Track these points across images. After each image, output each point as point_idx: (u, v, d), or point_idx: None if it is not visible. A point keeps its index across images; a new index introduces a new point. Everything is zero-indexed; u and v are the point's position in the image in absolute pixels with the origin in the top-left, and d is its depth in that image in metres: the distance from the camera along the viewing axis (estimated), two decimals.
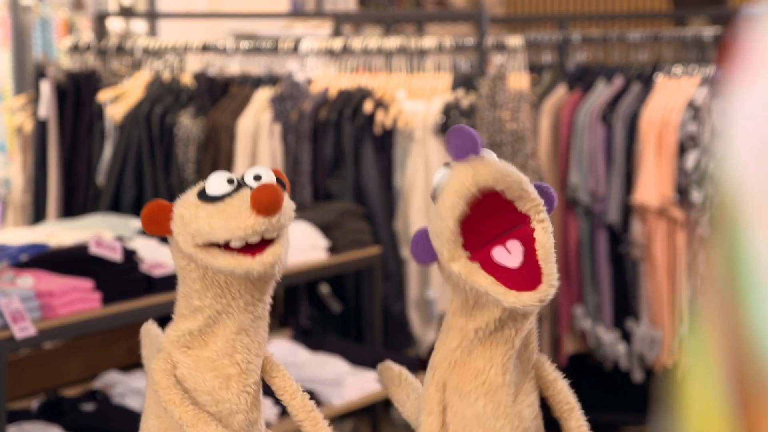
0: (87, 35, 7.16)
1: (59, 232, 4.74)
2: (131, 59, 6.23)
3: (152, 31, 8.40)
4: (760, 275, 0.99)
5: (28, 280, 4.06)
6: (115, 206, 5.87)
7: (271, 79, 6.00)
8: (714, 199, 1.04)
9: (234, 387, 2.44)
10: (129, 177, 5.88)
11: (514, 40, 5.93)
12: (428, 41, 5.97)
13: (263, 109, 5.82)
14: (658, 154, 5.67)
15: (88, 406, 4.46)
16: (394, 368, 2.71)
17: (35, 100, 6.05)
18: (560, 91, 6.01)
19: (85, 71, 6.10)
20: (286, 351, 5.12)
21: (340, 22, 7.25)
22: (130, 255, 4.35)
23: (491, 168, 2.26)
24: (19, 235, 4.71)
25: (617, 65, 6.14)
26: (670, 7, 11.53)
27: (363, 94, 5.78)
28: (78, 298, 4.09)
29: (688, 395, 1.07)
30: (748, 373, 1.00)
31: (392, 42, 5.97)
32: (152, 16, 8.41)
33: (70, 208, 6.03)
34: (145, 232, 2.48)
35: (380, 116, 5.71)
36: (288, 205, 2.36)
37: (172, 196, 5.57)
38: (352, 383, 4.97)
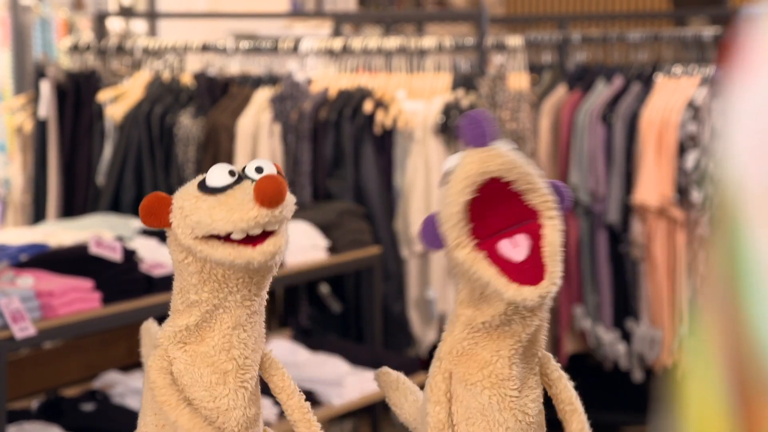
0: (87, 35, 7.16)
1: (59, 232, 4.74)
2: (131, 59, 6.23)
3: (152, 31, 8.40)
4: (760, 275, 0.99)
5: (28, 280, 4.06)
6: (115, 206, 5.87)
7: (271, 79, 6.00)
8: (714, 199, 1.04)
9: (231, 383, 2.44)
10: (129, 177, 5.88)
11: (514, 40, 5.93)
12: (428, 41, 5.97)
13: (263, 109, 5.82)
14: (658, 154, 5.67)
15: (88, 406, 4.46)
16: (391, 373, 2.72)
17: (35, 100, 6.05)
18: (560, 91, 6.01)
19: (85, 71, 6.10)
20: (286, 351, 5.12)
21: (340, 22, 7.25)
22: (130, 255, 4.35)
23: (501, 157, 2.26)
24: (19, 235, 4.71)
25: (617, 65, 6.14)
26: (670, 7, 11.53)
27: (363, 94, 5.78)
28: (78, 298, 4.09)
29: (688, 395, 1.07)
30: (748, 373, 1.00)
31: (392, 42, 5.97)
32: (152, 16, 8.41)
33: (70, 208, 6.03)
34: (144, 225, 2.46)
35: (380, 116, 5.71)
36: (289, 197, 2.36)
37: None
38: (352, 383, 4.97)
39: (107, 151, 5.96)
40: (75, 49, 6.24)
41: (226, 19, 8.46)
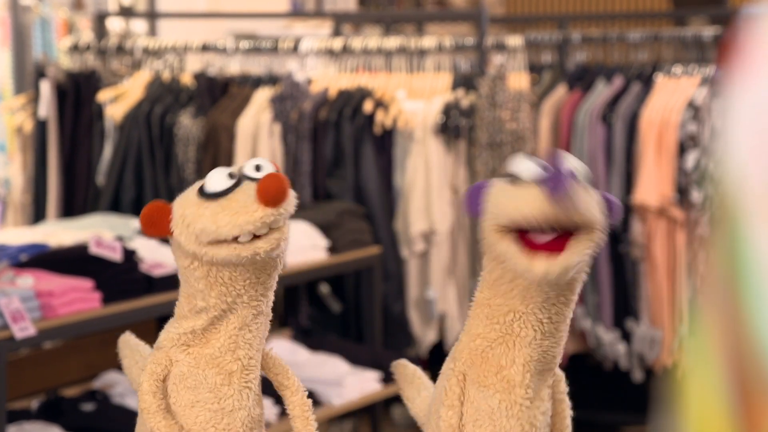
0: (87, 35, 7.16)
1: (59, 232, 4.74)
2: (131, 59, 6.23)
3: (152, 31, 8.40)
4: (761, 275, 0.99)
5: (28, 280, 4.06)
6: (115, 206, 5.87)
7: (271, 79, 6.00)
8: (714, 198, 1.04)
9: (236, 383, 2.44)
10: (129, 177, 5.88)
11: (514, 40, 5.93)
12: (428, 41, 5.97)
13: (263, 109, 5.82)
14: (658, 154, 5.67)
15: (88, 406, 4.46)
16: (408, 366, 2.74)
17: (35, 100, 6.05)
18: (560, 91, 6.01)
19: (85, 71, 6.10)
20: (286, 351, 5.12)
21: (340, 22, 7.25)
22: (130, 255, 4.35)
23: (581, 215, 2.28)
24: (19, 235, 4.71)
25: (617, 65, 6.14)
26: (670, 7, 11.53)
27: (363, 94, 5.78)
28: (78, 298, 4.09)
29: (688, 395, 1.07)
30: (749, 372, 1.00)
31: (392, 42, 5.97)
32: (152, 16, 8.41)
33: (70, 208, 6.03)
34: (145, 234, 2.45)
35: (380, 116, 5.71)
36: (291, 193, 2.35)
37: (172, 196, 5.57)
38: (352, 383, 4.97)
39: (107, 151, 5.96)
40: (75, 49, 6.24)
41: (226, 19, 8.46)
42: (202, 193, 2.35)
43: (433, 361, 5.41)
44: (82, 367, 4.86)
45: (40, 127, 6.02)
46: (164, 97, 5.97)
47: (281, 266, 2.43)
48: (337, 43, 6.02)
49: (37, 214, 6.07)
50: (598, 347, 5.85)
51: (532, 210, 2.26)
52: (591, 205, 2.29)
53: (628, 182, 5.75)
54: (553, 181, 2.25)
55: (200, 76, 5.97)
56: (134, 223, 5.00)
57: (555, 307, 2.38)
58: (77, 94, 6.05)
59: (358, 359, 5.17)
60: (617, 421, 6.10)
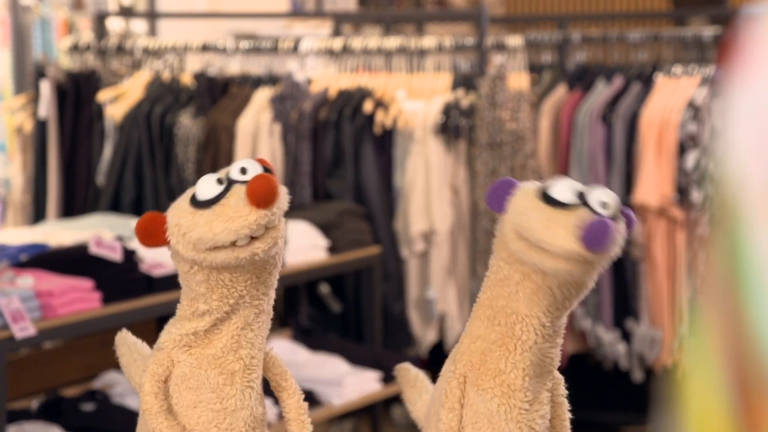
0: (87, 35, 7.16)
1: (59, 232, 4.74)
2: (131, 59, 6.23)
3: (152, 31, 8.40)
4: (761, 275, 0.99)
5: (28, 280, 4.06)
6: (115, 206, 5.87)
7: (271, 79, 6.00)
8: (714, 198, 1.04)
9: (238, 383, 2.44)
10: (129, 177, 5.88)
11: (514, 40, 5.93)
12: (428, 41, 5.97)
13: (263, 109, 5.82)
14: (658, 154, 5.67)
15: (88, 406, 4.46)
16: (411, 370, 2.74)
17: (35, 100, 6.05)
18: (560, 91, 6.01)
19: (85, 71, 6.10)
20: (286, 351, 5.12)
21: (340, 22, 7.25)
22: (130, 255, 4.35)
23: (606, 255, 2.28)
24: (19, 235, 4.71)
25: (617, 65, 6.14)
26: (670, 7, 11.53)
27: (363, 94, 5.78)
28: (78, 298, 4.09)
29: (688, 395, 1.07)
30: (749, 372, 1.00)
31: (392, 42, 5.97)
32: (152, 16, 8.41)
33: (70, 208, 6.03)
34: (143, 246, 2.45)
35: (380, 116, 5.71)
36: (282, 189, 2.35)
37: (172, 196, 5.57)
38: (352, 383, 4.97)
39: (107, 151, 5.96)
40: (75, 49, 6.24)
41: (226, 19, 8.46)
42: (194, 201, 2.35)
43: (433, 361, 5.41)
44: (82, 367, 4.86)
45: (40, 127, 6.02)
46: (164, 97, 5.97)
47: (281, 263, 2.44)
48: (337, 43, 6.02)
49: (37, 214, 6.07)
50: (598, 347, 5.85)
51: (560, 244, 2.26)
52: (617, 243, 2.30)
53: (628, 182, 5.75)
54: (594, 239, 2.25)
55: (200, 76, 5.98)
56: (134, 223, 4.99)
57: (558, 311, 2.38)
58: (77, 94, 6.05)
59: (358, 359, 5.17)
60: (617, 421, 6.10)
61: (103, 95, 5.99)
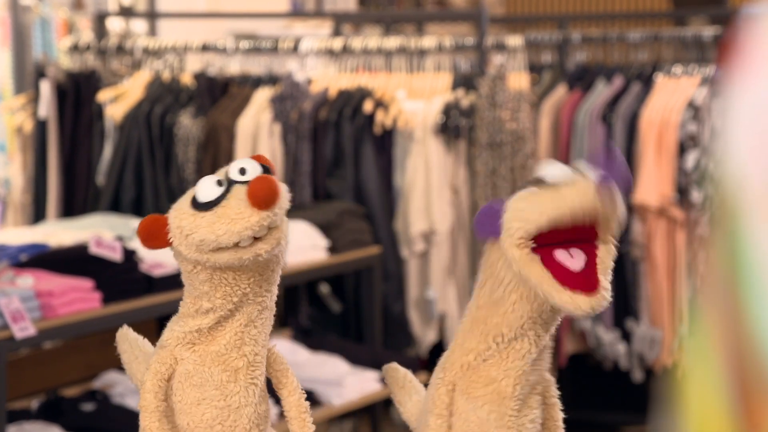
0: (87, 35, 7.16)
1: (59, 232, 4.74)
2: (131, 59, 6.23)
3: (152, 31, 8.40)
4: (761, 274, 0.99)
5: (28, 280, 4.06)
6: (115, 206, 5.87)
7: (271, 79, 6.00)
8: (714, 198, 1.04)
9: (242, 380, 2.44)
10: (129, 177, 5.88)
11: (514, 40, 5.93)
12: (428, 41, 5.97)
13: (263, 109, 5.82)
14: (658, 154, 5.67)
15: (88, 406, 4.46)
16: (399, 370, 2.73)
17: (35, 100, 6.05)
18: (560, 91, 6.01)
19: (85, 71, 6.10)
20: (286, 351, 5.12)
21: (340, 22, 7.25)
22: (130, 255, 4.35)
23: (617, 208, 2.25)
24: (19, 235, 4.71)
25: (617, 65, 6.14)
26: (670, 7, 11.53)
27: (363, 94, 5.78)
28: (78, 298, 4.09)
29: (688, 395, 1.07)
30: (749, 372, 1.00)
31: (392, 42, 5.97)
32: (152, 16, 8.41)
33: (70, 208, 6.03)
34: (145, 248, 2.44)
35: (380, 116, 5.71)
36: (283, 189, 2.35)
37: (172, 196, 5.59)
38: (352, 383, 4.97)
39: (107, 151, 5.96)
40: (75, 49, 6.24)
41: (226, 19, 8.46)
42: (195, 203, 2.34)
43: (433, 362, 5.40)
44: (82, 367, 4.86)
45: (40, 127, 6.02)
46: (164, 97, 5.97)
47: (283, 261, 2.44)
48: (337, 43, 6.01)
49: (37, 214, 6.07)
50: (598, 347, 5.85)
51: (573, 203, 2.21)
52: (621, 203, 2.28)
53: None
54: (608, 169, 2.22)
55: (200, 76, 5.98)
56: (134, 223, 5.00)
57: (553, 320, 2.38)
58: (77, 94, 6.05)
59: (358, 359, 5.17)
60: (617, 421, 6.10)
61: (103, 95, 5.99)
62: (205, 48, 6.14)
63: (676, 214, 5.63)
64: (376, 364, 5.14)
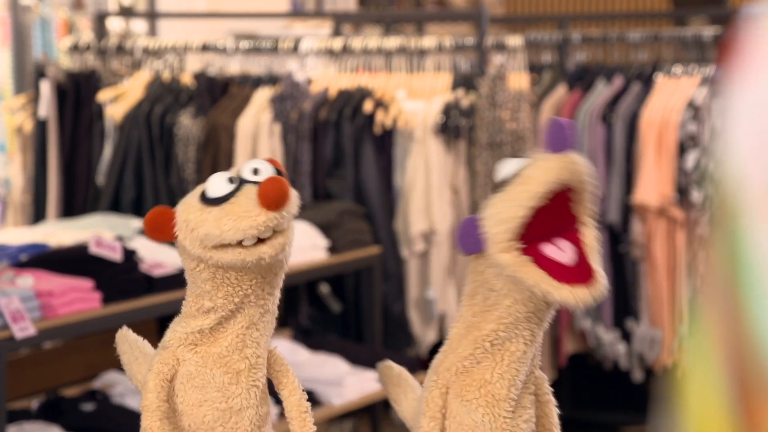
0: (87, 35, 7.16)
1: (59, 232, 4.74)
2: (131, 59, 6.23)
3: (152, 31, 8.41)
4: (761, 274, 0.99)
5: (27, 280, 4.06)
6: (115, 206, 5.87)
7: (271, 79, 6.00)
8: (714, 198, 1.04)
9: (243, 382, 2.44)
10: (129, 177, 5.88)
11: (514, 40, 5.93)
12: (428, 41, 5.97)
13: (263, 109, 5.82)
14: (658, 154, 5.67)
15: (88, 406, 4.46)
16: (394, 368, 2.72)
17: (35, 100, 6.05)
18: (560, 91, 6.01)
19: (85, 71, 6.10)
20: (286, 351, 5.12)
21: (340, 22, 7.25)
22: (130, 255, 4.35)
23: (581, 167, 2.24)
24: (19, 235, 4.71)
25: (617, 65, 6.14)
26: (670, 7, 11.53)
27: (363, 94, 5.78)
28: (78, 298, 4.09)
29: (688, 395, 1.07)
30: (749, 372, 1.00)
31: (392, 42, 5.97)
32: (152, 16, 8.41)
33: (70, 208, 6.03)
34: (149, 239, 2.44)
35: (380, 116, 5.71)
36: (293, 194, 2.35)
37: (172, 196, 5.59)
38: (352, 383, 4.97)
39: (107, 151, 5.96)
40: (75, 49, 6.24)
41: (226, 19, 8.46)
42: (204, 198, 2.35)
43: None
44: (82, 367, 4.86)
45: (40, 127, 6.02)
46: (164, 97, 5.97)
47: (287, 265, 2.44)
48: (337, 43, 6.02)
49: (37, 214, 6.07)
50: (598, 347, 5.85)
51: (539, 177, 2.20)
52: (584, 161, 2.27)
53: (628, 182, 5.75)
54: (556, 133, 2.22)
55: (200, 76, 5.98)
56: (134, 223, 5.00)
57: (548, 315, 2.38)
58: (77, 94, 6.05)
59: (358, 359, 5.16)
60: (617, 421, 6.10)
61: (103, 95, 5.99)
62: (205, 48, 6.14)
63: (676, 214, 5.63)
64: (376, 364, 5.13)
